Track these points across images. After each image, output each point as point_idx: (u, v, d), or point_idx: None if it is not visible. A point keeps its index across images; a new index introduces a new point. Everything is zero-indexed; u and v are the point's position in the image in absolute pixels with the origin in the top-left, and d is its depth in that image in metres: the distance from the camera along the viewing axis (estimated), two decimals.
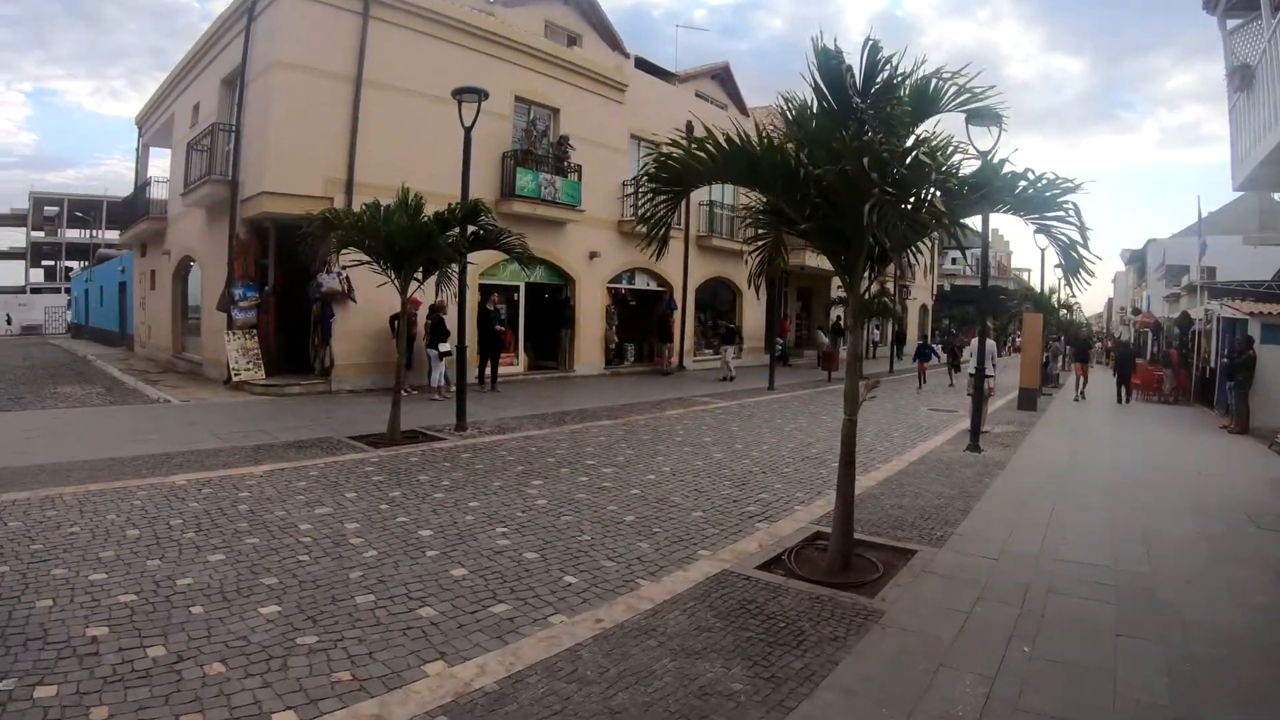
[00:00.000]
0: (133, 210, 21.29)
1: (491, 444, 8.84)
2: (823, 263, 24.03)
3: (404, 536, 5.19)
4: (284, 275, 14.30)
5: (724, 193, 22.63)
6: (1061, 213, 4.03)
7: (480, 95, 9.51)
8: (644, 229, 5.10)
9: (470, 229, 9.12)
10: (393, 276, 8.95)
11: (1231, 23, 9.41)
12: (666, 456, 8.55)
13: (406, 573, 4.48)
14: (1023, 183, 4.05)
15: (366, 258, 8.89)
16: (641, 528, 5.66)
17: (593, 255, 17.85)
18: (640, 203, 5.00)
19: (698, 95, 22.53)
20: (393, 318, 12.85)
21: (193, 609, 3.82)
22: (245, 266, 13.99)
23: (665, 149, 4.76)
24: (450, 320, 13.47)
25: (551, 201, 16.03)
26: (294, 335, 14.38)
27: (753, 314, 24.21)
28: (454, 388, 10.66)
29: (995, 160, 4.21)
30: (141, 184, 20.94)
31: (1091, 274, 4.10)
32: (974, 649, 3.71)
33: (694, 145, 4.63)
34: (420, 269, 9.08)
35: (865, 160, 3.76)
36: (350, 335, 13.45)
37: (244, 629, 3.62)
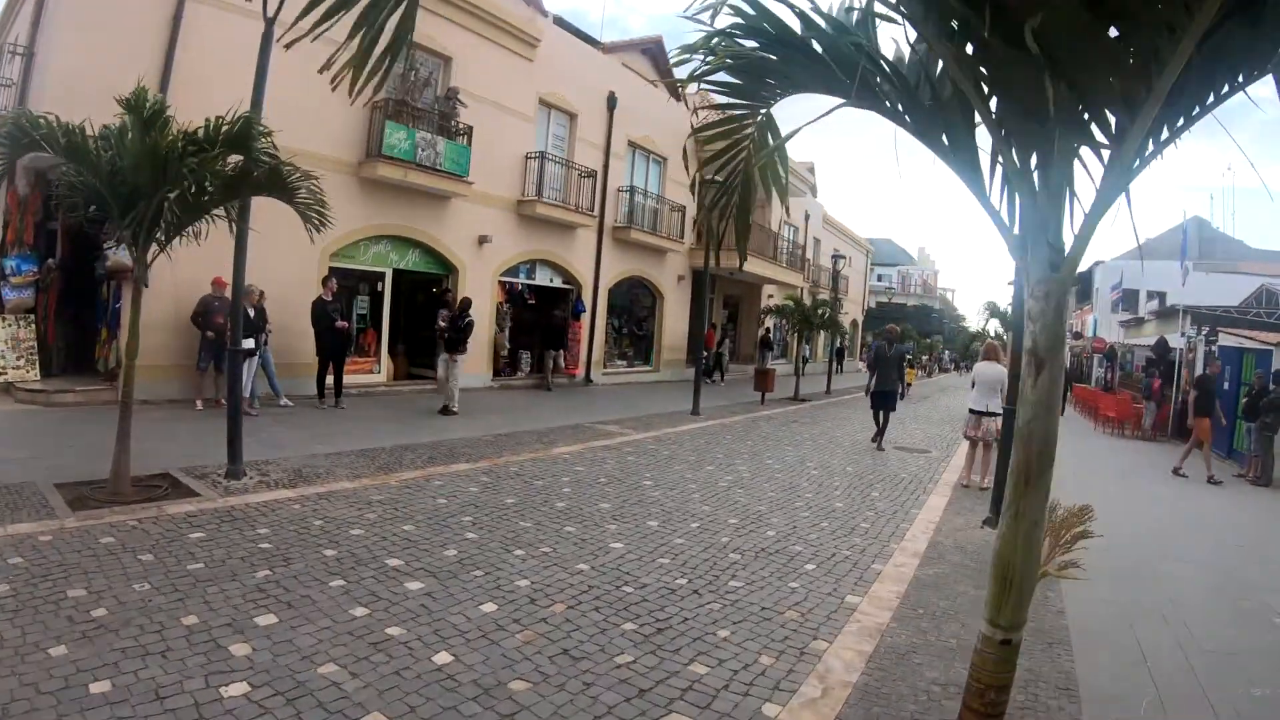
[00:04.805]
0: None
1: (258, 509, 5.46)
2: (756, 268, 21.48)
3: None
4: (76, 246, 10.77)
5: (647, 178, 19.72)
6: None
7: None
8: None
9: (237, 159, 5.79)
10: (128, 237, 5.68)
11: None
12: (531, 548, 5.07)
13: None
14: None
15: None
16: None
17: (482, 240, 14.33)
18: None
19: (625, 67, 19.48)
20: (194, 315, 9.61)
21: None
22: (21, 231, 10.41)
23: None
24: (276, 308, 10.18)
25: (430, 168, 12.52)
26: (85, 325, 11.02)
27: (675, 320, 21.51)
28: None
29: None
30: None
31: None
32: None
33: None
34: (161, 223, 5.74)
35: None
36: (150, 328, 9.65)
37: None
